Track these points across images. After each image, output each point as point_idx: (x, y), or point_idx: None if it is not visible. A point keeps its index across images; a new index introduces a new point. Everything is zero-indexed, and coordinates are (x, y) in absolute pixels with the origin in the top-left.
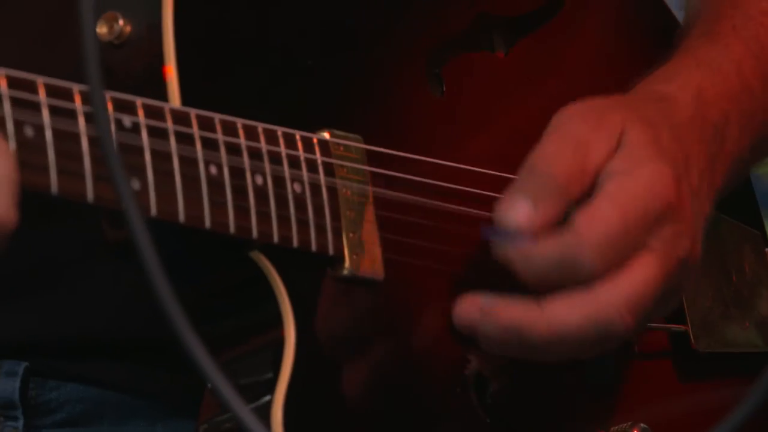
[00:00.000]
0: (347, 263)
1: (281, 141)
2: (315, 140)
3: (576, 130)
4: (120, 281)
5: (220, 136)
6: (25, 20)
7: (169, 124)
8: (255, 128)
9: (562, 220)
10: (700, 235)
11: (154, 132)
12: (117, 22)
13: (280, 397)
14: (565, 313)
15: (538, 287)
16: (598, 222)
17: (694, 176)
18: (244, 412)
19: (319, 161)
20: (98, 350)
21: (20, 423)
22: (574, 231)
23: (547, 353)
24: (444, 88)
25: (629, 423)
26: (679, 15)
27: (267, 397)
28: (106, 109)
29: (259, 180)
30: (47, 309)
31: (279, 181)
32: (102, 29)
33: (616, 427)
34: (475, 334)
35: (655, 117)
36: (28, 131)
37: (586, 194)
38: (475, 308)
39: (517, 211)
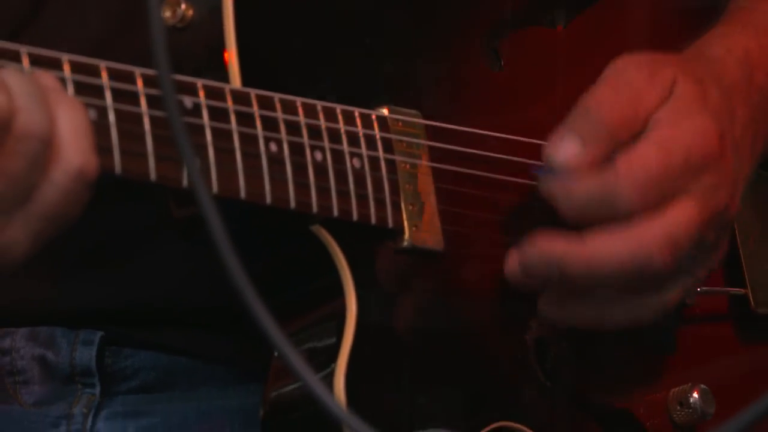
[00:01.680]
0: (407, 235)
1: (340, 118)
2: (374, 116)
3: (631, 78)
4: (190, 252)
5: (279, 115)
6: (98, 10)
7: (230, 104)
8: (314, 106)
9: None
10: (739, 192)
11: (214, 112)
12: (180, 6)
13: (342, 365)
14: (606, 245)
15: (580, 225)
16: (639, 162)
17: (738, 133)
18: (313, 380)
19: (378, 137)
20: (170, 318)
21: (97, 390)
22: (614, 168)
23: (586, 287)
24: (502, 63)
25: (689, 384)
26: None
27: (329, 366)
28: (174, 92)
29: (319, 156)
30: (120, 279)
31: (338, 157)
32: (166, 13)
33: (677, 389)
34: (523, 273)
35: (705, 75)
36: (92, 113)
37: (633, 140)
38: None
39: (566, 149)
